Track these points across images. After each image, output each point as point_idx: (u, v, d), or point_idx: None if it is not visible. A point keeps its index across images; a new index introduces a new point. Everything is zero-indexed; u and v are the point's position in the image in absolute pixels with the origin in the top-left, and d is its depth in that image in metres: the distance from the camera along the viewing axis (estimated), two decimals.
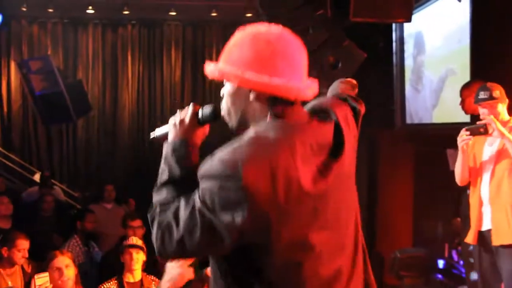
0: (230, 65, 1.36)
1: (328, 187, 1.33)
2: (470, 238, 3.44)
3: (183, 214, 1.29)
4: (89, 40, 8.81)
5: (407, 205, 6.06)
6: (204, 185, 1.26)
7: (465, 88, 3.89)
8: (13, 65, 8.52)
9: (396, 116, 5.83)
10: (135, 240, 3.67)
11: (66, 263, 3.25)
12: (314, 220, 1.30)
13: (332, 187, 1.34)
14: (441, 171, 5.04)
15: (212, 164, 1.27)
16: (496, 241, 3.28)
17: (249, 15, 8.25)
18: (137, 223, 4.51)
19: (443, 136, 5.04)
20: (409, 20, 3.88)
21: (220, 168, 1.24)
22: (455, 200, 4.65)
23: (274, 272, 1.28)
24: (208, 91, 8.99)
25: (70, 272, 3.25)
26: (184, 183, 1.35)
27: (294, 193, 1.25)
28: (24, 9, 7.85)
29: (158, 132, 1.62)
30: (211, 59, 9.28)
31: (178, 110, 1.53)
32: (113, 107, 8.90)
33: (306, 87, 1.37)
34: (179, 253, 1.34)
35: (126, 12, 8.13)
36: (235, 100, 1.39)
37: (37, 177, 7.98)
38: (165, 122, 1.62)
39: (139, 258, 3.53)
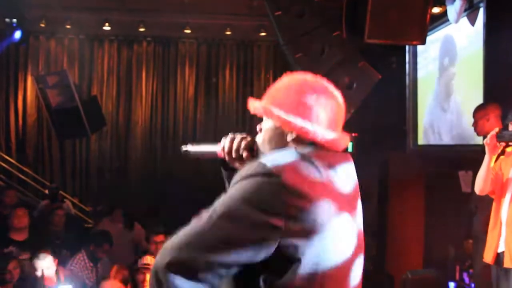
0: (275, 105, 1.45)
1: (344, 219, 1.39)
2: (489, 258, 3.42)
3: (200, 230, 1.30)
4: (105, 56, 8.96)
5: (418, 226, 6.04)
6: (239, 185, 1.32)
7: (478, 110, 3.90)
8: (29, 80, 8.67)
9: (408, 137, 5.85)
10: (150, 259, 3.69)
11: None
12: (334, 237, 1.36)
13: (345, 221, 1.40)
14: (453, 193, 5.05)
15: (249, 167, 1.34)
16: (508, 263, 3.28)
17: (263, 34, 8.37)
18: (160, 238, 4.49)
19: (455, 158, 5.05)
20: (423, 42, 3.93)
21: (259, 167, 1.32)
22: (466, 222, 4.64)
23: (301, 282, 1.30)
24: (221, 109, 9.07)
25: None
26: None
27: (321, 205, 1.32)
28: (43, 25, 8.01)
29: (194, 148, 1.64)
30: (224, 77, 9.45)
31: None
32: (126, 122, 9.01)
33: (340, 139, 1.46)
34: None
35: (142, 29, 8.28)
36: (273, 137, 1.48)
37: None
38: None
39: None
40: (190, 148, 1.65)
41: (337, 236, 1.36)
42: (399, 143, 6.01)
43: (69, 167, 8.90)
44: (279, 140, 1.46)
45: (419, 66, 5.75)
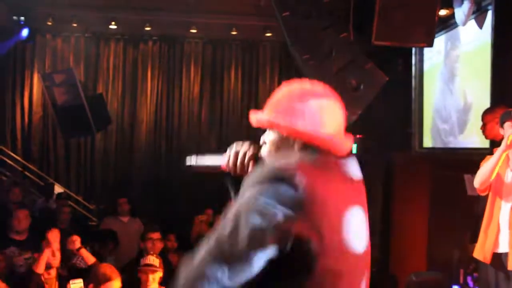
0: (278, 115, 1.45)
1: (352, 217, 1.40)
2: (487, 257, 3.41)
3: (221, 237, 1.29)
4: (111, 54, 8.98)
5: (422, 229, 6.03)
6: (252, 190, 1.31)
7: (487, 113, 3.88)
8: (35, 77, 8.70)
9: (413, 139, 5.84)
10: (152, 259, 3.68)
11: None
12: (344, 243, 1.36)
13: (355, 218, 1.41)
14: (458, 196, 5.03)
15: (262, 173, 1.34)
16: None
17: (268, 34, 8.37)
18: (156, 235, 4.51)
19: (461, 161, 5.03)
20: (430, 45, 3.92)
21: (271, 173, 1.32)
22: (472, 226, 4.62)
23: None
24: (225, 108, 9.08)
25: None
26: None
27: (333, 212, 1.33)
28: (50, 24, 8.04)
29: (199, 161, 1.62)
30: (229, 77, 9.45)
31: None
32: (131, 121, 9.02)
33: (345, 142, 1.47)
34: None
35: (147, 29, 8.30)
36: (279, 148, 1.47)
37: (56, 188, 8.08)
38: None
39: (155, 278, 3.56)
40: (194, 162, 1.62)
41: (351, 230, 1.37)
42: (404, 145, 6.00)
43: (73, 165, 8.92)
44: (286, 150, 1.45)
45: (425, 58, 5.71)
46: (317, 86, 1.49)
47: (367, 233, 1.49)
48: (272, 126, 1.46)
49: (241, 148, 1.56)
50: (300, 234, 1.27)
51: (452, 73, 5.22)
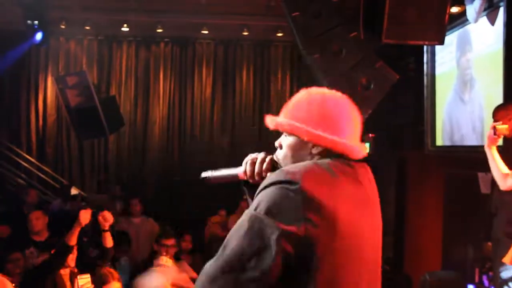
0: (297, 120, 1.46)
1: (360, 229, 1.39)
2: (508, 259, 3.37)
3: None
4: (123, 57, 9.06)
5: (437, 228, 5.99)
6: (261, 194, 1.34)
7: (500, 109, 3.83)
8: (49, 80, 8.81)
9: (426, 137, 5.79)
10: (165, 260, 3.69)
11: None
12: (348, 250, 1.36)
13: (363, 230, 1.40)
14: (472, 194, 4.99)
15: (271, 176, 1.37)
16: None
17: (280, 34, 8.37)
18: (171, 241, 4.46)
19: (474, 159, 4.98)
20: (441, 43, 3.89)
21: (280, 175, 1.34)
22: (486, 224, 4.58)
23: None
24: (237, 108, 9.10)
25: None
26: None
27: (340, 216, 1.33)
28: (63, 27, 8.14)
29: (214, 174, 1.64)
30: (241, 77, 9.46)
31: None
32: (144, 122, 9.09)
33: (361, 149, 1.49)
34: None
35: (159, 30, 8.35)
36: (296, 152, 1.49)
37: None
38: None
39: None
40: (210, 174, 1.65)
41: (356, 241, 1.36)
42: (417, 143, 5.97)
43: (87, 166, 9.01)
44: (304, 154, 1.47)
45: (437, 63, 5.68)
46: (336, 93, 1.51)
47: (379, 237, 1.48)
48: (293, 130, 1.46)
49: (258, 157, 1.56)
50: (301, 240, 1.28)
51: (464, 82, 5.15)
